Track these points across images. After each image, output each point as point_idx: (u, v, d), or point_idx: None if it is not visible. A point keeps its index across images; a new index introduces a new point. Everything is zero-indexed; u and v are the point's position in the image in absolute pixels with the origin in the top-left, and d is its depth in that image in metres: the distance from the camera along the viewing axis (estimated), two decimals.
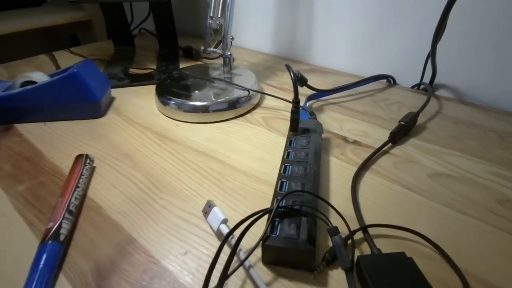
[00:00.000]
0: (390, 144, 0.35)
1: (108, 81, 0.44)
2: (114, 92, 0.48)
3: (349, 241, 0.23)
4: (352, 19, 0.53)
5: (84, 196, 0.28)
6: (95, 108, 0.39)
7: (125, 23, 0.63)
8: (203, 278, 0.20)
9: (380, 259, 0.21)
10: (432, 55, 0.40)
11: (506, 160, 0.32)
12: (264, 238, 0.21)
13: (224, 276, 0.19)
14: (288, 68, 0.31)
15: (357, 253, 0.23)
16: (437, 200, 0.27)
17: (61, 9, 1.00)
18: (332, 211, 0.26)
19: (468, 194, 0.28)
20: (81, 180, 0.27)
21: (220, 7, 0.40)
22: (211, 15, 0.42)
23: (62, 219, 0.23)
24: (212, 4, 0.41)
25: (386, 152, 0.34)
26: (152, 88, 0.48)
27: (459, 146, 0.35)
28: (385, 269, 0.20)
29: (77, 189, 0.26)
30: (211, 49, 0.44)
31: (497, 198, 0.27)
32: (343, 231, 0.23)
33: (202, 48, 0.45)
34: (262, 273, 0.21)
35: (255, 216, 0.22)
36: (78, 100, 0.38)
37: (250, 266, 0.20)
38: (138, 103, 0.45)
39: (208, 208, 0.25)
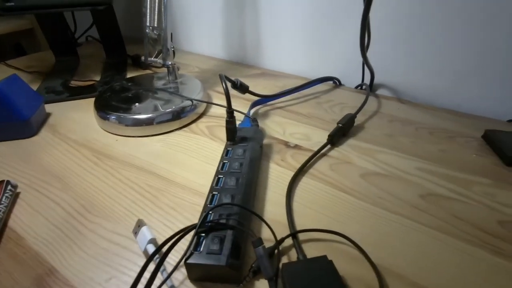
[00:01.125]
0: (328, 146, 0.36)
1: (39, 96, 0.41)
2: (51, 107, 0.45)
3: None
4: (296, 23, 0.54)
5: (4, 226, 0.26)
6: (24, 127, 0.37)
7: (65, 31, 0.60)
8: None
9: (302, 265, 0.21)
10: (364, 61, 0.42)
11: (432, 155, 0.35)
12: (187, 256, 0.20)
13: None
14: (221, 78, 0.31)
15: (285, 260, 0.23)
16: (366, 200, 0.29)
17: (3, 17, 0.93)
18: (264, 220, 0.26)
19: (394, 191, 0.29)
20: None
21: (156, 16, 0.39)
22: (148, 24, 0.40)
23: None
24: (148, 13, 0.40)
25: (324, 154, 0.35)
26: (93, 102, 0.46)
27: (392, 144, 0.37)
28: (305, 275, 0.20)
29: None
30: (152, 59, 0.43)
31: (420, 193, 0.29)
32: (273, 240, 0.24)
33: (143, 57, 0.43)
34: None
35: (181, 234, 0.22)
36: (3, 120, 0.35)
37: (172, 286, 0.20)
38: (76, 118, 0.43)
39: (137, 228, 0.24)
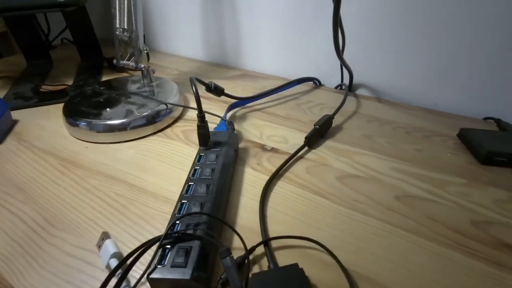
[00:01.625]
0: (306, 149, 0.36)
1: (4, 103, 0.39)
2: (19, 114, 0.43)
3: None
4: (275, 22, 0.53)
5: None
6: None
7: (36, 34, 0.58)
8: None
9: (272, 274, 0.21)
10: (341, 61, 0.42)
11: (409, 155, 0.35)
12: (150, 271, 0.19)
13: None
14: (191, 82, 0.30)
15: (256, 269, 0.22)
16: (342, 203, 0.28)
17: None
18: (236, 229, 0.25)
19: (370, 194, 0.29)
20: None
21: (126, 18, 0.38)
22: (117, 26, 0.39)
23: None
24: (117, 15, 0.38)
25: (301, 157, 0.34)
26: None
27: (370, 145, 0.36)
28: (274, 285, 0.20)
29: None
30: (124, 62, 0.42)
31: (396, 194, 0.29)
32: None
33: (114, 61, 0.42)
34: None
35: (144, 247, 0.21)
36: None
37: None
38: (46, 125, 0.41)
39: (101, 241, 0.23)
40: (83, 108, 0.39)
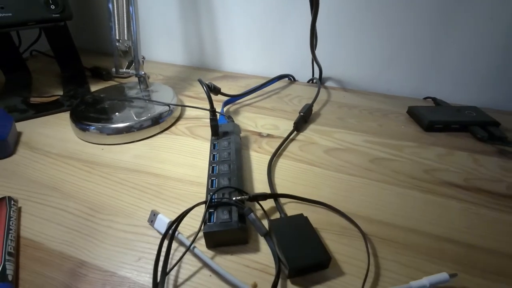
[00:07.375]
0: (295, 133, 0.43)
1: (8, 115, 0.41)
2: (18, 126, 0.44)
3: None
4: (250, 27, 0.60)
5: (17, 237, 0.27)
6: (1, 147, 0.36)
7: (13, 46, 0.58)
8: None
9: (285, 220, 0.27)
10: (313, 58, 0.50)
11: (373, 130, 0.44)
12: (204, 227, 0.25)
13: (168, 255, 0.24)
14: (201, 83, 0.36)
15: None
16: (331, 169, 0.36)
17: None
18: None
19: (350, 160, 0.38)
20: (11, 222, 0.27)
21: (126, 29, 0.42)
22: (117, 38, 0.43)
23: (5, 261, 0.23)
24: (116, 27, 0.42)
25: (293, 139, 0.42)
26: (62, 116, 0.47)
27: (343, 125, 0.45)
28: (287, 228, 0.26)
29: (10, 231, 0.26)
30: (124, 70, 0.45)
31: (369, 159, 0.38)
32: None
33: (114, 69, 0.46)
34: (208, 255, 0.26)
35: (189, 207, 0.27)
36: None
37: (194, 247, 0.25)
38: (51, 133, 0.43)
39: (153, 216, 0.28)
40: (91, 114, 0.42)
